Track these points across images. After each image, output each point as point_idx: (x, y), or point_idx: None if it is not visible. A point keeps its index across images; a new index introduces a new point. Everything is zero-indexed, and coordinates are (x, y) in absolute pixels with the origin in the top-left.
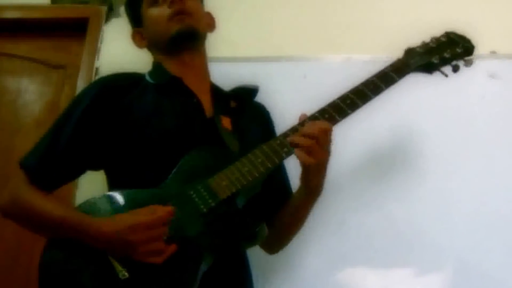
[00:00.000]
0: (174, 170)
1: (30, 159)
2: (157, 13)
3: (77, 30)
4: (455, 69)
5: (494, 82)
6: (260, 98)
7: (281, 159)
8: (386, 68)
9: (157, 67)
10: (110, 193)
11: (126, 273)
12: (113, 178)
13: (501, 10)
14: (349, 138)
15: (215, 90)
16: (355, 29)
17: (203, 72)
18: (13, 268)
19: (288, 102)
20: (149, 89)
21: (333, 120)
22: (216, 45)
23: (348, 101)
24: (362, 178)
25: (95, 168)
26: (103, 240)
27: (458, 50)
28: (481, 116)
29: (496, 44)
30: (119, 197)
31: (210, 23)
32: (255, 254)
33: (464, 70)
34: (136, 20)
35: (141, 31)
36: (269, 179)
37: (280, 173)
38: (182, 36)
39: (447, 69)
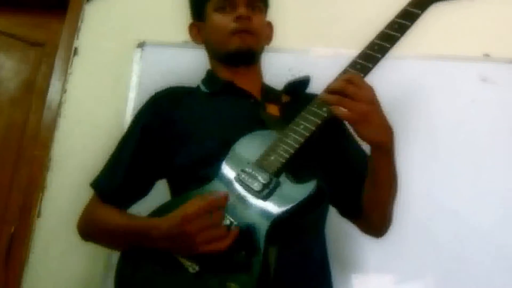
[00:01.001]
0: (224, 162)
1: (99, 179)
2: (222, 21)
3: (57, 7)
4: None
5: (486, 86)
6: None
7: (323, 118)
8: (406, 5)
9: (210, 76)
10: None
11: (196, 266)
12: (175, 184)
13: (494, 13)
14: None
15: (267, 88)
16: (342, 21)
17: (256, 76)
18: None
19: None
20: (204, 98)
21: (366, 69)
22: None
23: (376, 47)
24: None
25: (159, 178)
26: (164, 239)
27: None
28: (472, 120)
29: (489, 47)
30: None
31: (269, 35)
32: None
33: (455, 71)
34: (198, 14)
35: (200, 26)
36: (342, 161)
37: (351, 147)
38: (240, 55)
39: None
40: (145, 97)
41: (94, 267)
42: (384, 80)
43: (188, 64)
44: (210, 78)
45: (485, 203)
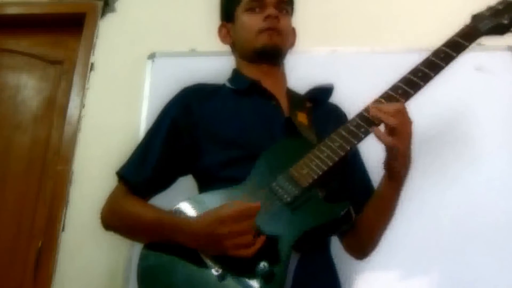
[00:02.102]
0: (255, 165)
1: (125, 169)
2: (251, 21)
3: (74, 26)
4: None
5: (480, 75)
6: None
7: (360, 139)
8: (454, 35)
9: (236, 74)
10: (199, 195)
11: (219, 269)
12: (201, 180)
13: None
14: None
15: (292, 93)
16: (339, 21)
17: (281, 79)
18: (9, 264)
19: None
20: (229, 94)
21: (408, 95)
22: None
23: (420, 74)
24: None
25: (186, 173)
26: (194, 237)
27: None
28: (468, 109)
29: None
30: (206, 199)
31: (293, 41)
32: None
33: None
34: (228, 16)
35: (229, 28)
36: (348, 178)
37: (359, 170)
38: (266, 52)
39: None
40: (157, 107)
41: (118, 277)
42: (378, 74)
43: (197, 71)
44: (236, 76)
45: (484, 193)
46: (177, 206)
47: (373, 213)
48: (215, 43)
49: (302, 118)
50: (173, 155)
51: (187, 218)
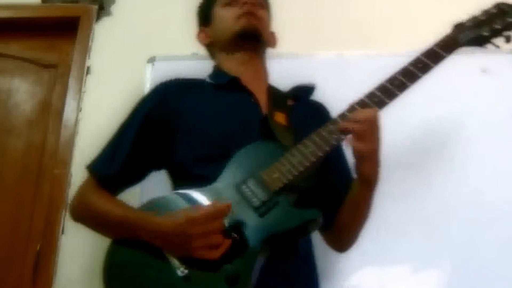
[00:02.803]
0: (226, 166)
1: (96, 163)
2: (228, 12)
3: (68, 29)
4: (508, 39)
5: (486, 77)
6: None
7: (332, 146)
8: (433, 45)
9: (216, 70)
10: (166, 194)
11: (185, 270)
12: (175, 176)
13: (490, 2)
14: None
15: (273, 90)
16: (347, 24)
17: (262, 73)
18: (6, 269)
19: None
20: (208, 90)
21: (382, 103)
22: None
23: (397, 82)
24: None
25: (158, 168)
26: (162, 236)
27: (509, 20)
28: (474, 112)
29: None
30: (175, 198)
31: (273, 41)
32: None
33: (455, 64)
34: (205, 19)
35: (206, 30)
36: (330, 170)
37: (340, 162)
38: (246, 34)
39: (499, 40)
40: None
41: None
42: (385, 77)
43: (199, 75)
44: (216, 72)
45: (489, 193)
46: (145, 203)
47: (348, 213)
48: None
49: (280, 118)
50: (145, 149)
51: (156, 217)
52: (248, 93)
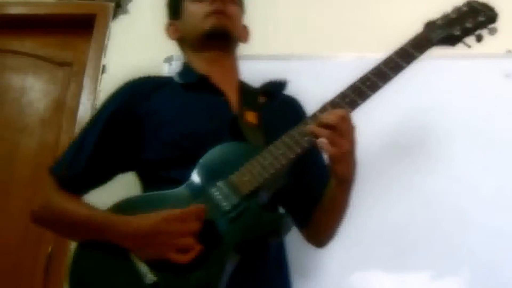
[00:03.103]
0: (196, 168)
1: (58, 165)
2: (198, 8)
3: (83, 27)
4: (479, 39)
5: (510, 82)
6: None
7: (303, 148)
8: (405, 44)
9: (185, 68)
10: (134, 196)
11: (153, 277)
12: (143, 179)
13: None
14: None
15: (244, 87)
16: (368, 26)
17: (232, 70)
18: (17, 271)
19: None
20: (177, 89)
21: (354, 104)
22: None
23: (368, 83)
24: (372, 176)
25: (126, 170)
26: (133, 236)
27: (481, 19)
28: (497, 116)
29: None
30: (143, 201)
31: (244, 35)
32: None
33: (479, 68)
34: (175, 12)
35: (176, 24)
36: (306, 168)
37: (317, 161)
38: (215, 33)
39: (471, 39)
40: None
41: None
42: (408, 80)
43: None
44: (185, 70)
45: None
46: (113, 205)
47: (325, 212)
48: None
49: (251, 117)
50: (111, 150)
51: (127, 216)
52: (218, 92)
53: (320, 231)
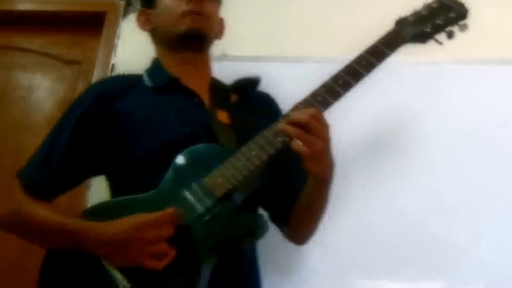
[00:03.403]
0: (169, 171)
1: (27, 170)
2: (173, 4)
3: (93, 25)
4: (450, 35)
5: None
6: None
7: (277, 149)
8: (377, 41)
9: (155, 66)
10: (107, 201)
11: (127, 284)
12: (114, 183)
13: None
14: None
15: (216, 85)
16: (380, 30)
17: (205, 70)
18: (21, 273)
19: None
20: (147, 92)
21: (327, 103)
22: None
23: (341, 81)
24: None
25: (96, 174)
26: (106, 243)
27: (451, 15)
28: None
29: None
30: (117, 205)
31: (220, 30)
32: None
33: (495, 74)
34: (148, 1)
35: (149, 14)
36: (283, 167)
37: (294, 161)
38: (191, 36)
39: (442, 36)
40: None
41: None
42: (427, 85)
43: (228, 76)
44: (155, 69)
45: None
46: (85, 210)
47: (303, 211)
48: (247, 48)
49: (223, 116)
50: (81, 153)
51: (99, 223)
52: (191, 93)
53: (299, 229)
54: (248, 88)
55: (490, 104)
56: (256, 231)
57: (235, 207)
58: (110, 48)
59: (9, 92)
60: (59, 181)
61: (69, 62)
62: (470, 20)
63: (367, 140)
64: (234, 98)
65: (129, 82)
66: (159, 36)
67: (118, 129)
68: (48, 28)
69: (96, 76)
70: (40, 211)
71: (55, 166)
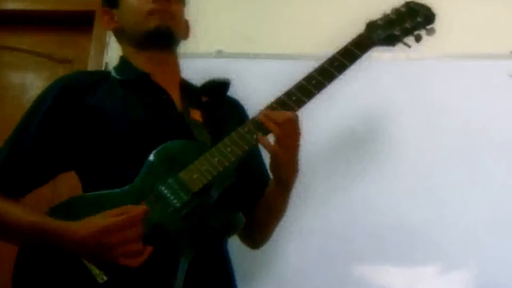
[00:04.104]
0: (144, 166)
1: None
2: (139, 3)
3: (84, 24)
4: (417, 39)
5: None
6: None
7: (251, 145)
8: (348, 44)
9: (124, 63)
10: (81, 195)
11: (104, 277)
12: (85, 179)
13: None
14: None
15: (186, 85)
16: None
17: (173, 68)
18: None
19: None
20: (116, 86)
21: (300, 102)
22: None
23: (314, 81)
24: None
25: (66, 170)
26: (78, 244)
27: (419, 19)
28: (501, 116)
29: None
30: (88, 202)
31: (186, 32)
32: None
33: (479, 69)
34: (111, 1)
35: (112, 13)
36: (246, 168)
37: (256, 161)
38: (159, 34)
39: (410, 39)
40: None
41: None
42: (410, 81)
43: (224, 74)
44: (124, 66)
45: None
46: (56, 206)
47: (263, 213)
48: (243, 45)
49: (196, 115)
50: (49, 149)
51: (68, 224)
52: (161, 90)
53: (256, 232)
54: (218, 90)
55: (470, 99)
56: (232, 225)
57: (211, 202)
58: (102, 46)
59: (2, 91)
60: (27, 177)
61: (61, 61)
62: (437, 23)
63: (350, 132)
64: (204, 99)
65: (97, 76)
66: (125, 35)
67: (87, 123)
68: (39, 27)
69: None
70: (7, 208)
71: (23, 162)
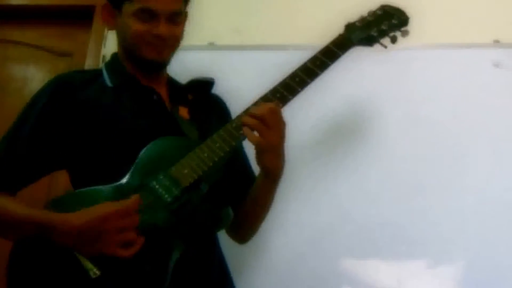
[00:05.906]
0: (134, 163)
1: None
2: (140, 29)
3: (83, 18)
4: (393, 40)
5: (498, 71)
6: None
7: (238, 141)
8: (329, 44)
9: (115, 62)
10: (75, 192)
11: (97, 271)
12: (76, 176)
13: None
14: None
15: (172, 83)
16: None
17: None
18: None
19: None
20: (108, 86)
21: (285, 99)
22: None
23: (297, 79)
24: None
25: (58, 167)
26: (73, 234)
27: (394, 22)
28: (485, 105)
29: (499, 33)
30: (83, 196)
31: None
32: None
33: (463, 58)
34: (116, 3)
35: (113, 14)
36: (231, 165)
37: (241, 158)
38: (152, 64)
39: (386, 40)
40: None
41: None
42: (393, 70)
43: (216, 66)
44: (115, 65)
45: (501, 188)
46: (50, 201)
47: (250, 206)
48: (235, 37)
49: (183, 112)
50: (44, 147)
51: (63, 214)
52: (151, 91)
53: (244, 226)
54: (203, 89)
55: (454, 88)
56: (221, 219)
57: (201, 197)
58: (100, 40)
59: (4, 84)
60: (22, 173)
61: (62, 54)
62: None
63: (335, 123)
64: (189, 97)
65: (90, 75)
66: (120, 42)
67: (80, 121)
68: (40, 22)
69: (87, 68)
70: (5, 202)
71: (18, 158)
